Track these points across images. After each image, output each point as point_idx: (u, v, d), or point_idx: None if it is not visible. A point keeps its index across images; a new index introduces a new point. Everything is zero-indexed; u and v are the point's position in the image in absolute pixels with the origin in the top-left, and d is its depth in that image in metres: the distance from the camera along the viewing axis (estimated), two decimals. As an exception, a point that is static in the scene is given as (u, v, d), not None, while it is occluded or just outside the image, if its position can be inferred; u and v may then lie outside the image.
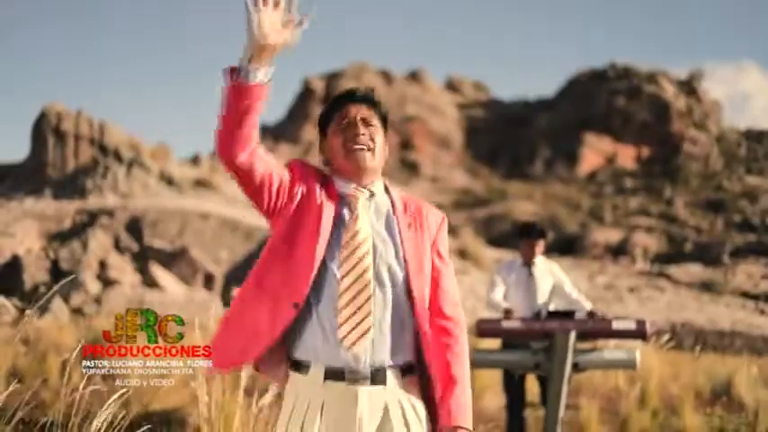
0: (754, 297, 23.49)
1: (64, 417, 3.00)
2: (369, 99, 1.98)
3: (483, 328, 4.49)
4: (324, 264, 1.84)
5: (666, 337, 6.94)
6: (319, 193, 1.90)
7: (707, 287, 24.68)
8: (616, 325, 4.49)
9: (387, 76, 45.29)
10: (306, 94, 43.63)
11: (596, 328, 4.51)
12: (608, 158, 43.18)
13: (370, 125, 1.95)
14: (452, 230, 29.70)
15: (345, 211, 1.90)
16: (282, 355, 1.91)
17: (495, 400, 6.49)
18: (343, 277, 1.81)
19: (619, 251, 32.67)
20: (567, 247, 33.54)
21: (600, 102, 44.16)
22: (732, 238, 32.96)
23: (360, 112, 1.95)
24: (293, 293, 1.82)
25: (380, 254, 1.87)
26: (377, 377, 1.82)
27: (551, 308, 4.93)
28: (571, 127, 43.41)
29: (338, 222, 1.88)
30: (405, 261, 1.88)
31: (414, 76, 45.94)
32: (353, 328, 1.79)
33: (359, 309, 1.80)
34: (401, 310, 1.86)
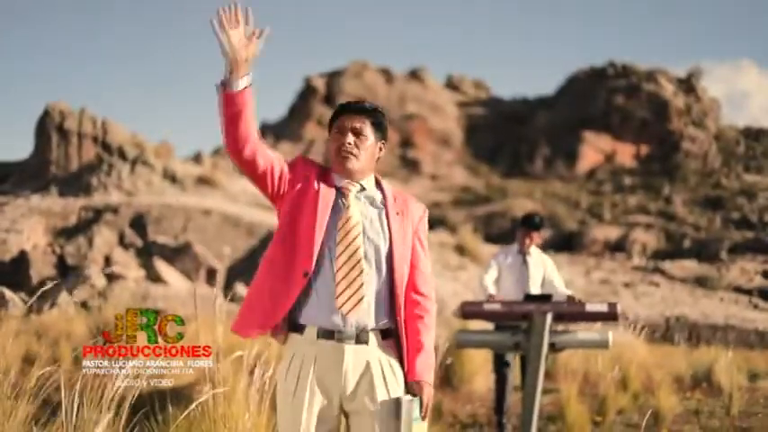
0: (748, 292, 23.82)
1: (79, 396, 3.22)
2: (361, 110, 2.33)
3: (466, 310, 4.82)
4: (321, 243, 2.20)
5: (640, 325, 7.27)
6: (318, 183, 2.26)
7: (701, 282, 25.00)
8: (589, 307, 4.81)
9: (387, 75, 45.59)
10: (307, 92, 43.93)
11: (571, 310, 4.85)
12: (607, 156, 43.45)
13: (360, 134, 2.30)
14: (452, 227, 29.99)
15: (340, 200, 2.27)
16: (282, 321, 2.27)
17: (484, 383, 6.86)
18: (339, 256, 2.18)
19: (617, 248, 32.93)
20: (566, 244, 33.81)
21: (599, 100, 44.44)
22: (730, 235, 33.23)
23: (353, 121, 2.30)
24: (303, 264, 2.19)
25: (369, 236, 2.24)
26: (361, 337, 2.20)
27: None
28: (570, 125, 43.70)
29: (334, 208, 2.24)
30: (390, 242, 2.25)
31: (414, 75, 46.22)
32: (349, 299, 2.16)
33: (352, 282, 2.17)
34: (384, 284, 2.24)
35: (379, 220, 2.28)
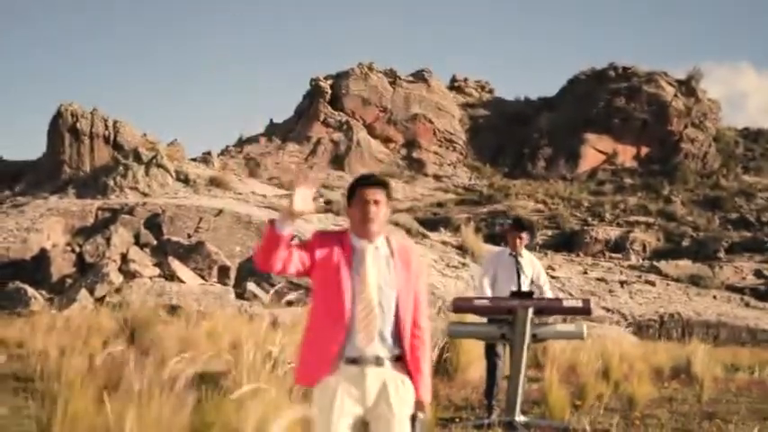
0: (741, 290, 24.49)
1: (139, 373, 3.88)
2: (379, 183, 3.04)
3: (458, 305, 5.59)
4: (350, 296, 2.95)
5: (630, 321, 7.96)
6: (337, 252, 2.96)
7: (696, 281, 25.66)
8: (566, 303, 5.59)
9: (392, 76, 46.16)
10: (314, 93, 44.53)
11: (550, 306, 5.61)
12: (608, 157, 44.11)
13: (378, 203, 2.98)
14: (455, 227, 30.64)
15: (359, 260, 2.96)
16: None
17: (478, 372, 7.59)
18: (358, 304, 2.90)
19: (618, 247, 33.52)
20: (567, 243, 34.41)
21: (600, 101, 44.99)
22: (729, 234, 33.81)
23: (374, 195, 2.99)
24: (342, 318, 2.91)
25: (382, 288, 2.95)
26: (378, 362, 2.91)
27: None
28: (572, 126, 44.27)
29: (355, 267, 2.95)
30: (397, 292, 2.97)
31: (419, 76, 46.77)
32: (365, 336, 2.90)
33: (368, 324, 2.90)
34: (393, 322, 2.98)
35: (389, 272, 2.97)
